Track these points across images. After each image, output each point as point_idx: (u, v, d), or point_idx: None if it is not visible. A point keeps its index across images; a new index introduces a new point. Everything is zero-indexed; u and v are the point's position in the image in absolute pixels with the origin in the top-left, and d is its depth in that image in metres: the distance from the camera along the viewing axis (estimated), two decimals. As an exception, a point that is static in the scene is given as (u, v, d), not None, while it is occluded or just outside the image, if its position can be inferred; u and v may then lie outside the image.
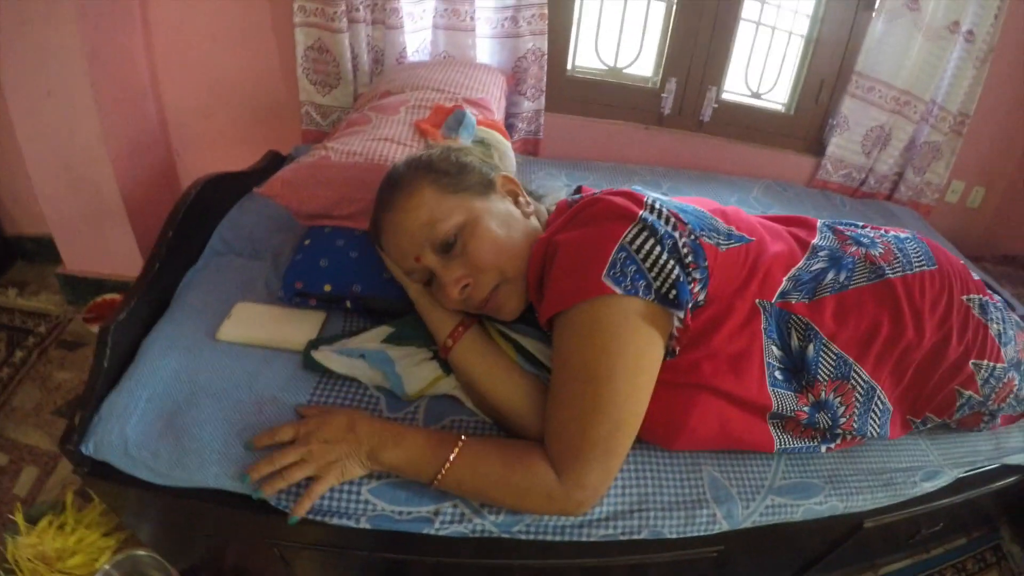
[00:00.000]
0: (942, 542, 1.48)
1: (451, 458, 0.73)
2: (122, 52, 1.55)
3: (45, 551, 1.12)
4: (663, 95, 1.82)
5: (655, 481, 0.85)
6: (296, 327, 0.94)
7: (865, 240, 0.91)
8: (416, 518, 0.77)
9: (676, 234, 0.74)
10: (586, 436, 0.71)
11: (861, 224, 0.99)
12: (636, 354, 0.71)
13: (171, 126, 1.78)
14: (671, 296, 0.71)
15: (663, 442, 0.84)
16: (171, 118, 1.76)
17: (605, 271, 0.70)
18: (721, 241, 0.80)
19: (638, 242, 0.72)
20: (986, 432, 1.04)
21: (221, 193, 1.18)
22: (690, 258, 0.74)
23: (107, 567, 1.12)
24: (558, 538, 0.80)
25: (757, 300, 0.81)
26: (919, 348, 0.84)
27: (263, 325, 0.94)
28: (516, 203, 0.89)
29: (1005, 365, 0.88)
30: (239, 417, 0.81)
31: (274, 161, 1.36)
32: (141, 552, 1.14)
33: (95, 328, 1.62)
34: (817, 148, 1.94)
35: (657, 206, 0.77)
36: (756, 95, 1.92)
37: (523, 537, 0.80)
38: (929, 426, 0.96)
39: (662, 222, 0.75)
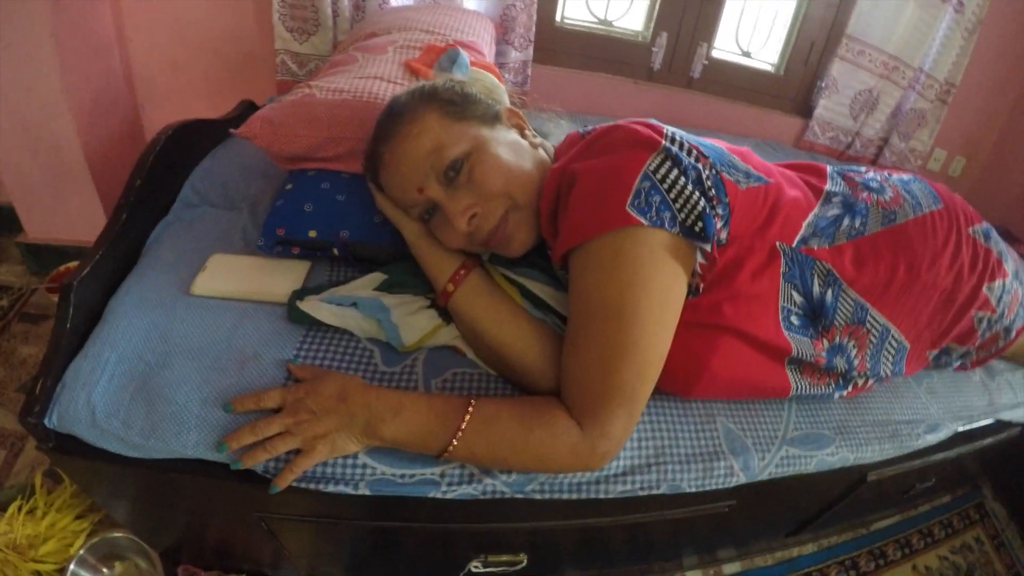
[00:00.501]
0: (929, 499, 1.53)
1: (462, 426, 0.66)
2: (85, 0, 1.44)
3: (16, 539, 1.05)
4: (653, 50, 1.79)
5: (670, 433, 0.82)
6: (278, 278, 0.86)
7: (874, 185, 0.91)
8: (421, 481, 0.71)
9: (700, 166, 0.70)
10: (610, 381, 0.65)
11: (864, 169, 0.99)
12: (662, 290, 0.67)
13: (137, 79, 1.67)
14: (697, 228, 0.67)
15: (682, 388, 0.80)
16: (137, 71, 1.66)
17: (629, 200, 0.65)
18: (741, 179, 0.76)
19: (662, 171, 0.67)
20: (980, 386, 1.08)
21: (192, 142, 1.09)
22: (713, 192, 0.70)
23: (82, 552, 1.06)
24: (574, 496, 0.76)
25: (777, 243, 0.78)
26: (935, 287, 0.85)
27: (242, 277, 0.86)
28: (523, 135, 0.84)
29: (1010, 278, 0.91)
30: (218, 377, 0.73)
31: (248, 110, 1.27)
32: (117, 534, 1.08)
33: (59, 299, 1.53)
34: (805, 110, 1.95)
35: (678, 137, 0.73)
36: (746, 54, 1.91)
37: (537, 497, 0.75)
38: (955, 357, 0.99)
39: (684, 153, 0.70)
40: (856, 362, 0.84)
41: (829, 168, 0.93)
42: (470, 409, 0.67)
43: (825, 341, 0.81)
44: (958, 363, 1.03)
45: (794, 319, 0.79)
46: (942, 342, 0.91)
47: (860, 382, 0.88)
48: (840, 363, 0.83)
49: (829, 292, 0.80)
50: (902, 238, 0.84)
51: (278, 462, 0.68)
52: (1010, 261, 0.93)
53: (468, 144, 0.75)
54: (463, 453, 0.67)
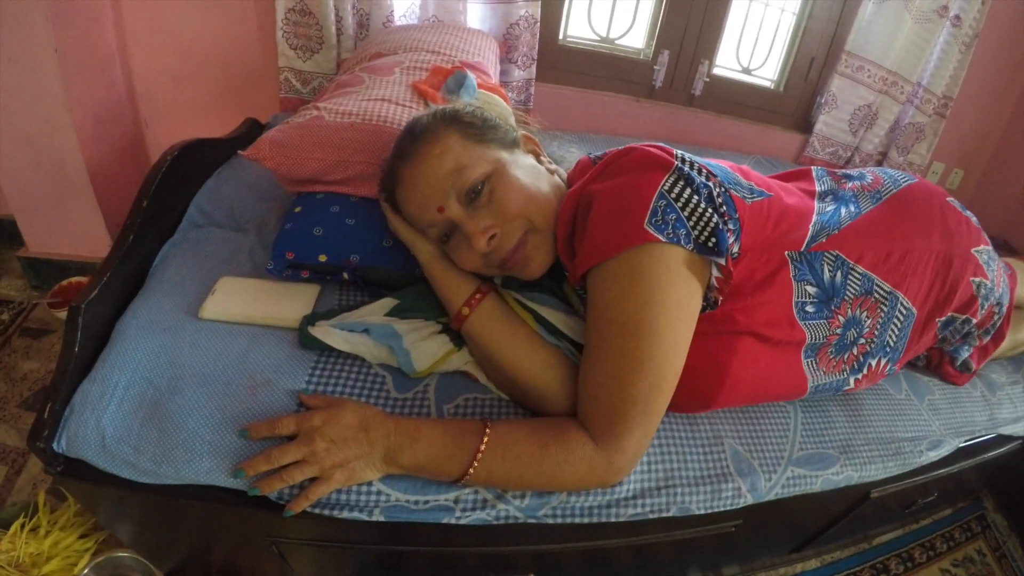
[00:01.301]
0: (930, 513, 1.54)
1: (481, 448, 0.67)
2: (88, 14, 1.45)
3: (19, 557, 1.04)
4: (655, 67, 1.80)
5: (679, 456, 0.82)
6: (288, 302, 0.86)
7: (854, 174, 0.97)
8: (435, 507, 0.71)
9: (710, 184, 0.73)
10: (626, 394, 0.67)
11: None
12: (678, 305, 0.68)
13: (140, 95, 1.67)
14: (711, 244, 0.69)
15: (705, 396, 0.80)
16: (140, 86, 1.65)
17: (647, 219, 0.67)
18: (746, 195, 0.78)
19: (676, 190, 0.69)
20: (981, 400, 1.09)
21: (197, 162, 1.09)
22: (724, 208, 0.72)
23: (86, 572, 1.05)
24: (586, 520, 0.76)
25: (786, 252, 0.80)
26: (930, 251, 0.89)
27: (251, 300, 0.86)
28: (538, 161, 0.86)
29: (990, 247, 0.96)
30: (230, 403, 0.73)
31: (253, 128, 1.27)
32: (122, 553, 1.07)
33: (61, 314, 1.52)
34: (805, 125, 1.97)
35: (688, 158, 0.75)
36: (747, 71, 1.91)
37: (549, 521, 0.75)
38: (960, 330, 0.99)
39: (695, 172, 0.72)
40: (866, 330, 0.86)
41: (814, 170, 0.97)
42: (487, 432, 0.68)
43: (840, 317, 0.83)
44: (965, 355, 1.04)
45: (809, 308, 0.81)
46: (946, 309, 0.93)
47: (873, 363, 0.90)
48: (852, 334, 0.85)
49: (839, 273, 0.83)
50: (891, 211, 0.89)
51: (292, 488, 0.68)
52: (983, 234, 0.97)
53: (489, 166, 0.76)
54: (482, 476, 0.68)
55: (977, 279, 0.92)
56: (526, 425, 0.71)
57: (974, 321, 0.97)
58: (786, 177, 0.98)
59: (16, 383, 1.45)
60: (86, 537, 1.11)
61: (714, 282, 0.73)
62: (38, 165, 1.49)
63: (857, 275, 0.84)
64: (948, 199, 0.95)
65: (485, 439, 0.67)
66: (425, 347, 0.80)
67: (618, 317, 0.68)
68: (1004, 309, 1.00)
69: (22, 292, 1.71)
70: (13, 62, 1.34)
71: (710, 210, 0.70)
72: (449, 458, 0.68)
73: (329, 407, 0.71)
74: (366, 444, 0.67)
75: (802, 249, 0.81)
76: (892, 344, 0.90)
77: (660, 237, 0.66)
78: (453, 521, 0.71)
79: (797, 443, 0.89)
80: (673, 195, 0.69)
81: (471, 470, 0.67)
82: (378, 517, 0.70)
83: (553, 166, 0.88)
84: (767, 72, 1.93)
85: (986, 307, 0.96)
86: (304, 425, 0.68)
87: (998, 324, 1.02)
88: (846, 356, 0.87)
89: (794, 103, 1.95)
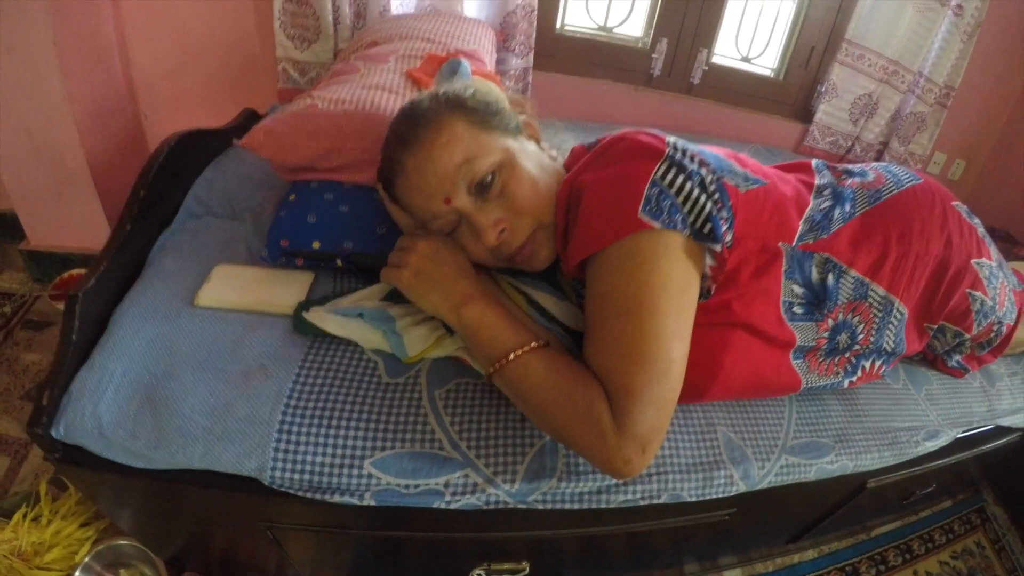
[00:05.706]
0: (930, 504, 1.53)
1: (531, 344, 0.69)
2: (87, 6, 1.44)
3: (21, 546, 1.05)
4: (653, 56, 1.79)
5: (671, 443, 0.82)
6: (283, 289, 0.87)
7: (856, 171, 0.94)
8: (425, 491, 0.72)
9: (702, 172, 0.71)
10: (636, 378, 0.64)
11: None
12: (679, 290, 0.68)
13: (139, 86, 1.67)
14: (706, 230, 0.68)
15: (698, 389, 0.79)
16: (139, 78, 1.65)
17: (641, 207, 0.66)
18: (740, 183, 0.77)
19: (669, 177, 0.68)
20: (979, 391, 1.08)
21: (194, 151, 1.09)
22: (717, 195, 0.71)
23: (87, 560, 1.06)
24: (576, 506, 0.76)
25: (780, 243, 0.79)
26: (928, 255, 0.87)
27: (246, 288, 0.86)
28: (540, 148, 0.85)
29: (995, 264, 0.93)
30: (224, 388, 0.74)
31: (250, 118, 1.27)
32: (122, 541, 1.08)
33: (62, 305, 1.52)
34: (804, 115, 1.95)
35: (680, 145, 0.74)
36: (746, 59, 1.90)
37: (539, 507, 0.75)
38: (950, 342, 0.99)
39: (688, 159, 0.72)
40: (860, 336, 0.85)
41: (814, 162, 0.96)
42: (539, 341, 0.70)
43: (830, 320, 0.83)
44: (956, 358, 1.03)
45: (796, 309, 0.81)
46: (939, 316, 0.92)
47: (867, 365, 0.89)
48: (843, 339, 0.84)
49: (830, 276, 0.82)
50: (890, 211, 0.87)
51: (284, 471, 0.69)
52: (993, 249, 0.95)
53: (498, 155, 0.74)
54: (517, 371, 0.68)
55: (975, 293, 0.90)
56: (572, 360, 0.70)
57: (967, 336, 0.96)
58: (785, 168, 0.96)
59: (18, 375, 1.47)
60: (87, 526, 1.12)
61: (708, 271, 0.72)
62: (38, 158, 1.49)
63: (851, 279, 0.83)
64: (954, 203, 0.92)
65: (534, 343, 0.69)
66: (417, 331, 0.80)
67: (619, 300, 0.66)
68: (1005, 328, 0.97)
69: (24, 285, 1.72)
70: (12, 53, 1.34)
71: (703, 196, 0.69)
72: (500, 338, 0.70)
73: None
74: (451, 277, 0.74)
75: (794, 243, 0.80)
76: (890, 349, 0.89)
77: (655, 224, 0.65)
78: (443, 505, 0.72)
79: (791, 431, 0.89)
80: (666, 182, 0.68)
81: (510, 357, 0.68)
82: (369, 501, 0.70)
83: (554, 152, 0.87)
84: (767, 61, 1.91)
85: (984, 324, 0.94)
86: (428, 233, 0.78)
87: (996, 342, 1.00)
88: (837, 360, 0.87)
89: (794, 92, 1.93)
